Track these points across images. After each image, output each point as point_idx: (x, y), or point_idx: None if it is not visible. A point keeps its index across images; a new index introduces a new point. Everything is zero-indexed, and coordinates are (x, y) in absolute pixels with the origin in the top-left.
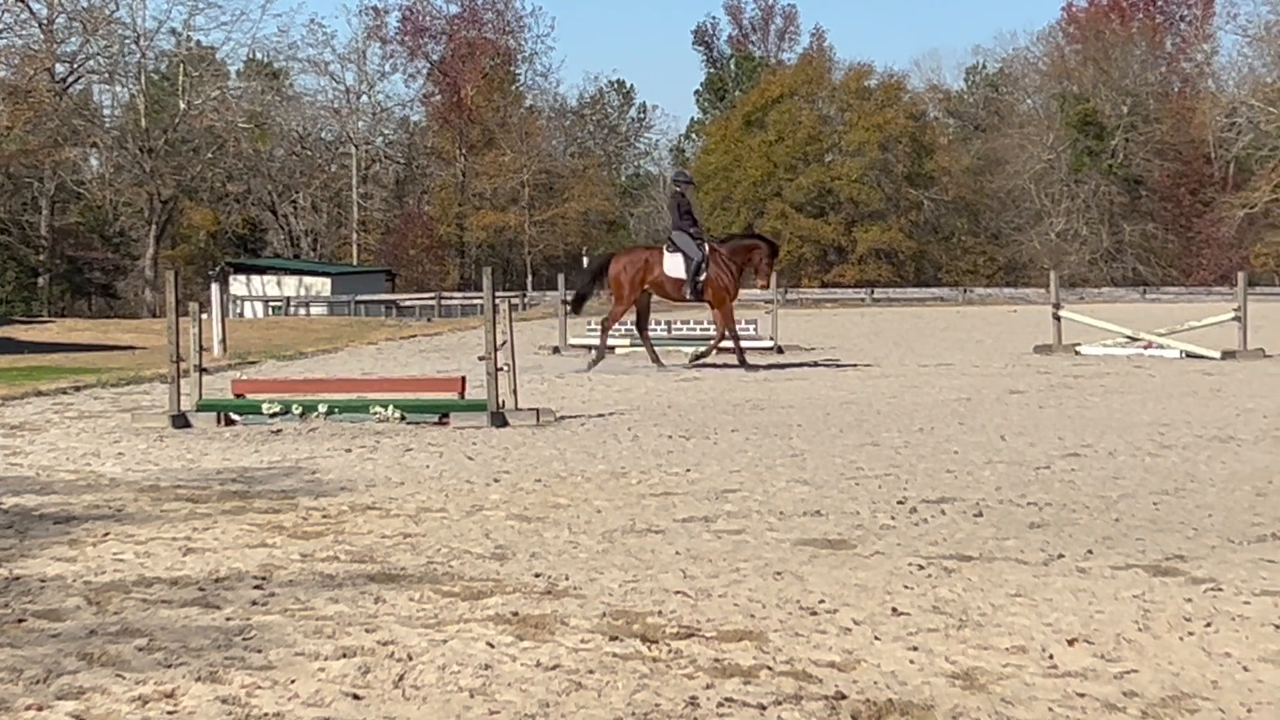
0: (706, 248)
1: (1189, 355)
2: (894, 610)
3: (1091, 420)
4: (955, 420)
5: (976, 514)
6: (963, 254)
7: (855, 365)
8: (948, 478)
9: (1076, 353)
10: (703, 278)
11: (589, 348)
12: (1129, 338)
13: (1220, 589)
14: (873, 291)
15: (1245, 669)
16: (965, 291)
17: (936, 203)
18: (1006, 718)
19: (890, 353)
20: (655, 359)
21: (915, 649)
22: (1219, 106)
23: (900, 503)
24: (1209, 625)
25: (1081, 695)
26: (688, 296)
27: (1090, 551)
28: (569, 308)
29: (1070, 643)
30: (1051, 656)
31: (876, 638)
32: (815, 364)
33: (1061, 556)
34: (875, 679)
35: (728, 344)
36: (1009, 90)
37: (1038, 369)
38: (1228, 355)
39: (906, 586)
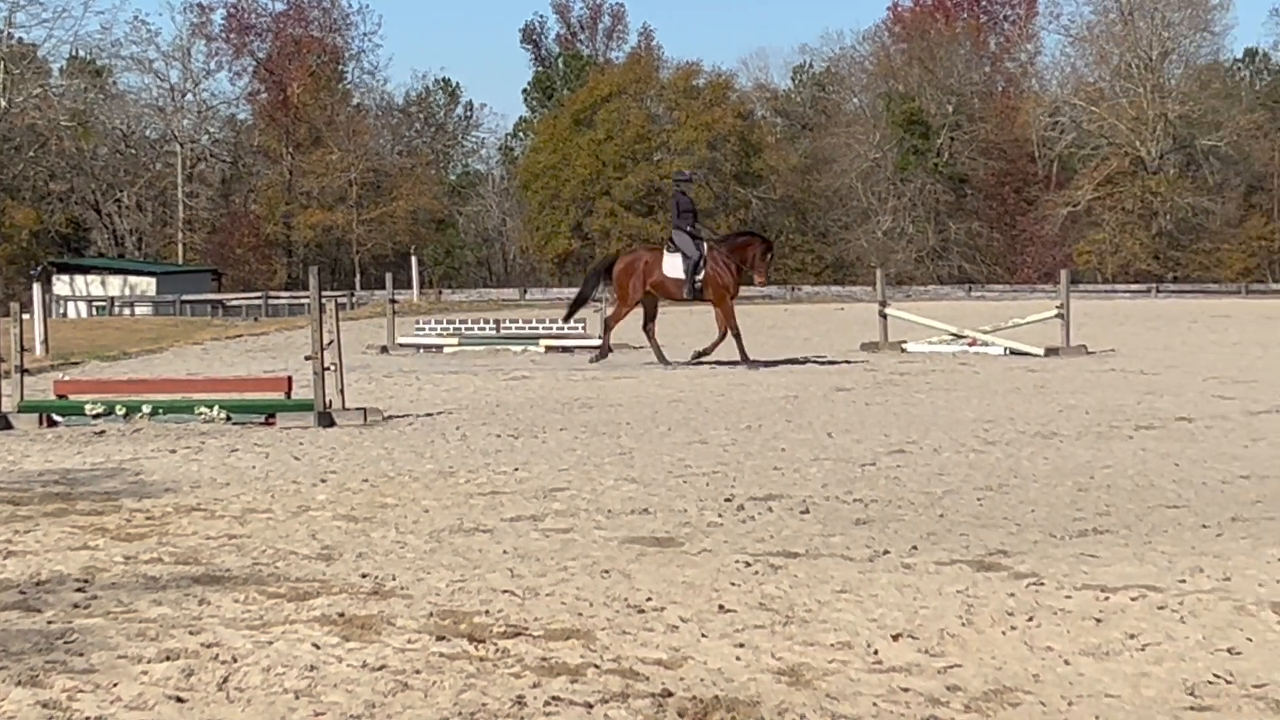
0: (705, 246)
1: (1013, 352)
2: (721, 607)
3: (917, 417)
4: (783, 418)
5: (803, 511)
6: (790, 252)
7: (833, 361)
8: (775, 475)
9: (903, 350)
10: (700, 277)
11: (421, 347)
12: (954, 335)
13: (1042, 583)
14: None
15: (1066, 662)
16: (793, 290)
17: (764, 201)
18: (831, 713)
19: (719, 351)
20: (661, 358)
21: (742, 646)
22: (1042, 106)
23: (728, 500)
24: (1031, 619)
25: (905, 690)
26: (686, 296)
27: (915, 547)
28: (569, 311)
29: (895, 638)
30: (876, 652)
31: (703, 635)
32: (806, 360)
33: (887, 553)
34: (701, 676)
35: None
36: (836, 89)
37: (864, 366)
38: (1051, 352)
39: (733, 584)
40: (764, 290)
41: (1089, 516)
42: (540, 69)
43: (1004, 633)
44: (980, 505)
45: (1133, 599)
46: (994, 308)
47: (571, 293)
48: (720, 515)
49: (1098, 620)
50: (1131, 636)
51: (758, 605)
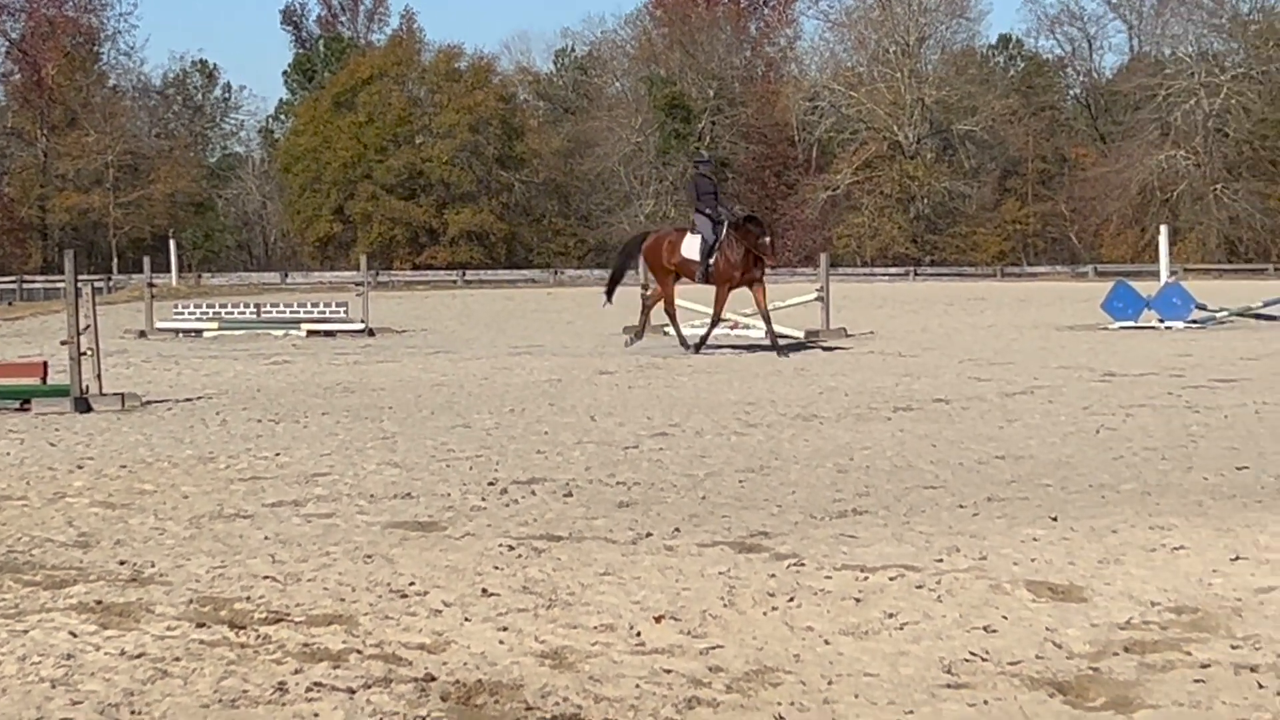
0: (724, 230)
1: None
2: (484, 591)
3: (679, 400)
4: (546, 401)
5: (566, 494)
6: (554, 236)
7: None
8: (538, 458)
9: (665, 333)
10: (713, 261)
11: (180, 331)
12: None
13: (803, 564)
14: (464, 273)
15: (826, 642)
16: (556, 273)
17: (527, 185)
18: (594, 695)
19: (481, 334)
20: (683, 340)
21: (505, 629)
22: (802, 90)
23: (491, 484)
24: (792, 600)
25: (668, 671)
26: (698, 280)
27: (677, 530)
28: (608, 290)
29: (657, 620)
30: (639, 634)
31: (466, 619)
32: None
33: (649, 535)
34: (465, 660)
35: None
36: (598, 73)
37: (627, 349)
38: (811, 335)
39: (497, 567)
40: (528, 274)
41: (848, 497)
42: (301, 51)
43: (765, 613)
44: (742, 487)
45: (891, 579)
46: None
47: (333, 276)
48: (483, 499)
49: (857, 600)
50: (890, 616)
51: (521, 589)
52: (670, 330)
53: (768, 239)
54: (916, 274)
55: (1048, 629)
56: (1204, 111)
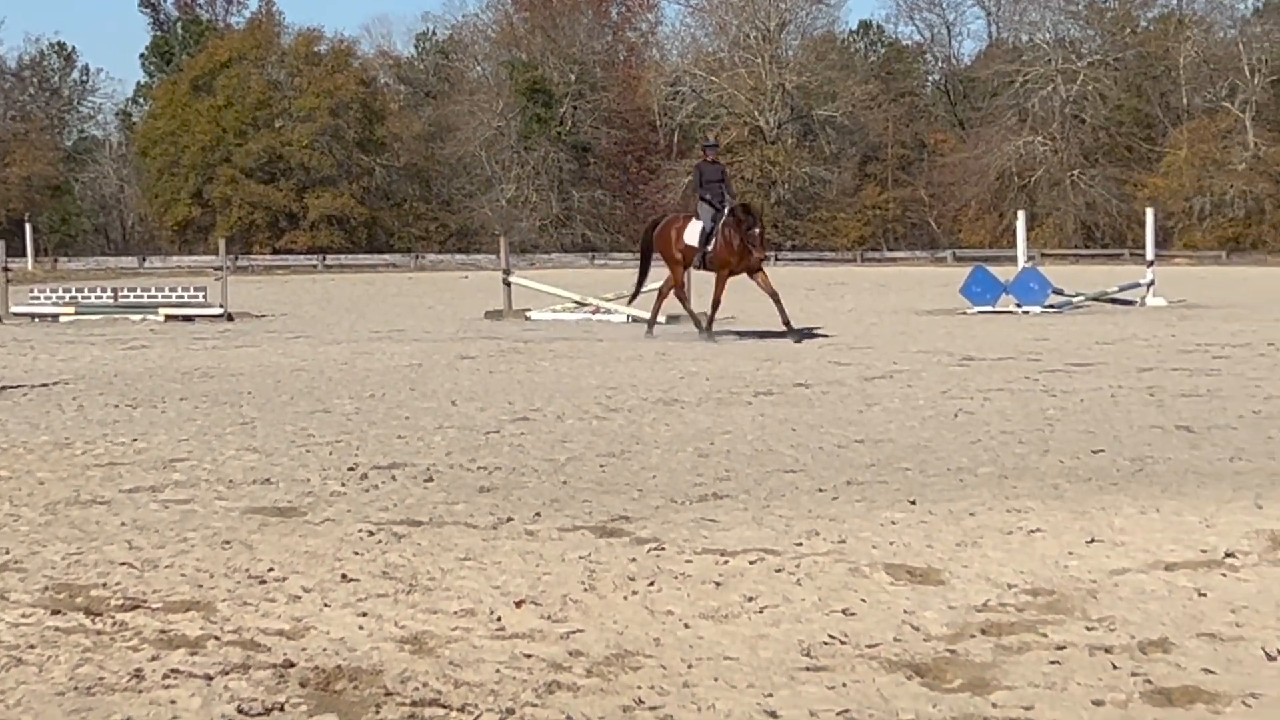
0: (724, 214)
1: (636, 320)
2: (344, 577)
3: (541, 385)
4: (406, 386)
5: (427, 479)
6: (415, 220)
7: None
8: (399, 444)
9: (527, 318)
10: (711, 248)
11: (36, 316)
12: (578, 303)
13: (663, 548)
14: (325, 258)
15: (686, 626)
16: (418, 258)
17: (388, 169)
18: (454, 680)
19: (342, 319)
20: (697, 324)
21: (365, 615)
22: (663, 75)
23: (351, 469)
24: (652, 584)
25: (529, 656)
26: (695, 265)
27: (538, 514)
28: (633, 292)
29: (517, 604)
30: (499, 619)
31: (326, 605)
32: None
33: (510, 520)
34: (324, 646)
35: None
36: (459, 57)
37: (488, 334)
38: (672, 320)
39: (356, 553)
40: (389, 258)
41: (709, 482)
42: (159, 34)
43: (625, 597)
44: (603, 472)
45: (751, 562)
46: (617, 275)
47: (191, 260)
48: (343, 484)
49: (717, 584)
50: (750, 599)
51: (381, 574)
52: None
53: (756, 230)
54: (777, 259)
55: (906, 612)
56: (1061, 98)
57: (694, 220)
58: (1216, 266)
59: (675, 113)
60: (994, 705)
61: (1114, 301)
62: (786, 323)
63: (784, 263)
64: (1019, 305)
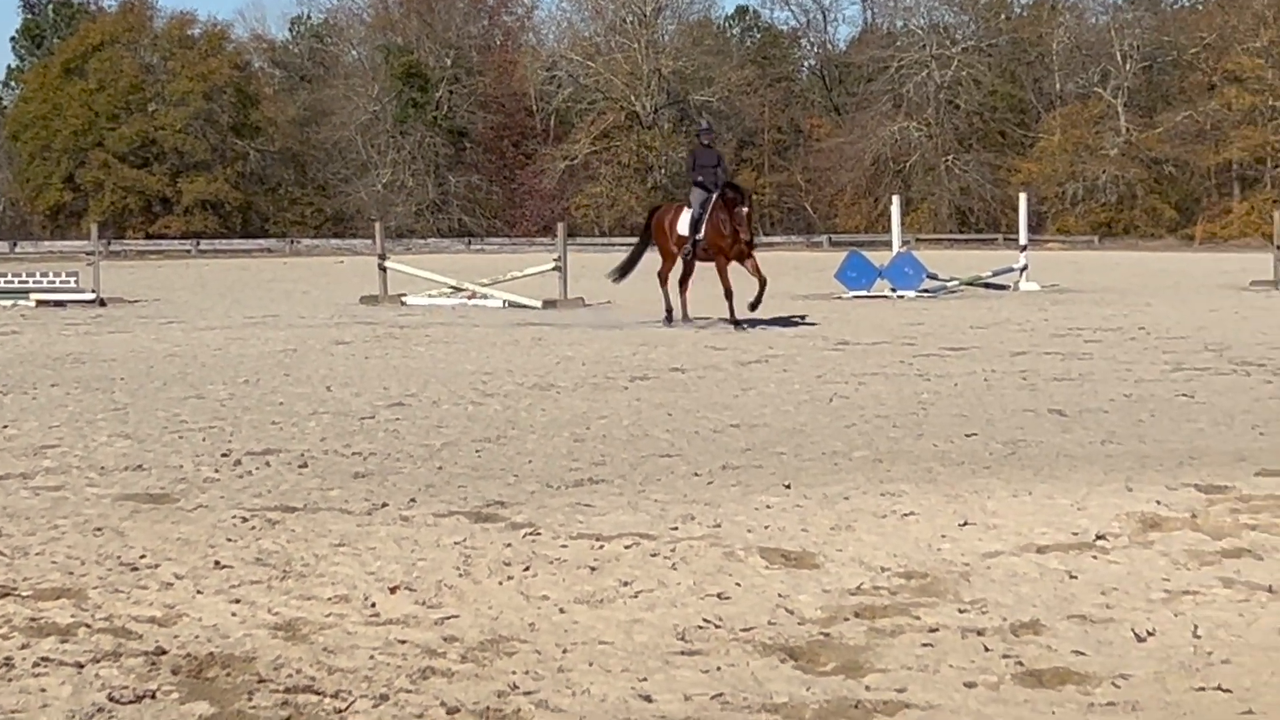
0: (710, 203)
1: (512, 305)
2: (217, 563)
3: (416, 370)
4: (281, 372)
5: (301, 465)
6: (290, 205)
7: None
8: (273, 430)
9: (403, 303)
10: (700, 236)
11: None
12: (454, 288)
13: (539, 533)
14: (199, 243)
15: (561, 610)
16: (293, 243)
17: (263, 154)
18: (328, 667)
19: (216, 304)
20: (685, 314)
21: (238, 601)
22: (539, 60)
23: (224, 455)
24: (527, 569)
25: (403, 642)
26: (685, 257)
27: (414, 500)
28: (620, 273)
29: (392, 590)
30: (374, 605)
31: (199, 591)
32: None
33: (385, 505)
34: (196, 633)
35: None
36: (334, 41)
37: (363, 320)
38: (549, 304)
39: (230, 539)
40: (263, 243)
41: (585, 466)
42: (30, 17)
43: (501, 583)
44: (478, 457)
45: (626, 547)
46: (494, 260)
47: (63, 245)
48: (217, 470)
49: (592, 569)
50: (625, 584)
51: (254, 560)
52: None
53: (744, 209)
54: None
55: (780, 595)
56: (936, 83)
57: (686, 209)
58: (1089, 251)
59: (552, 97)
60: (867, 688)
61: (988, 286)
62: (752, 307)
63: None
64: (894, 290)
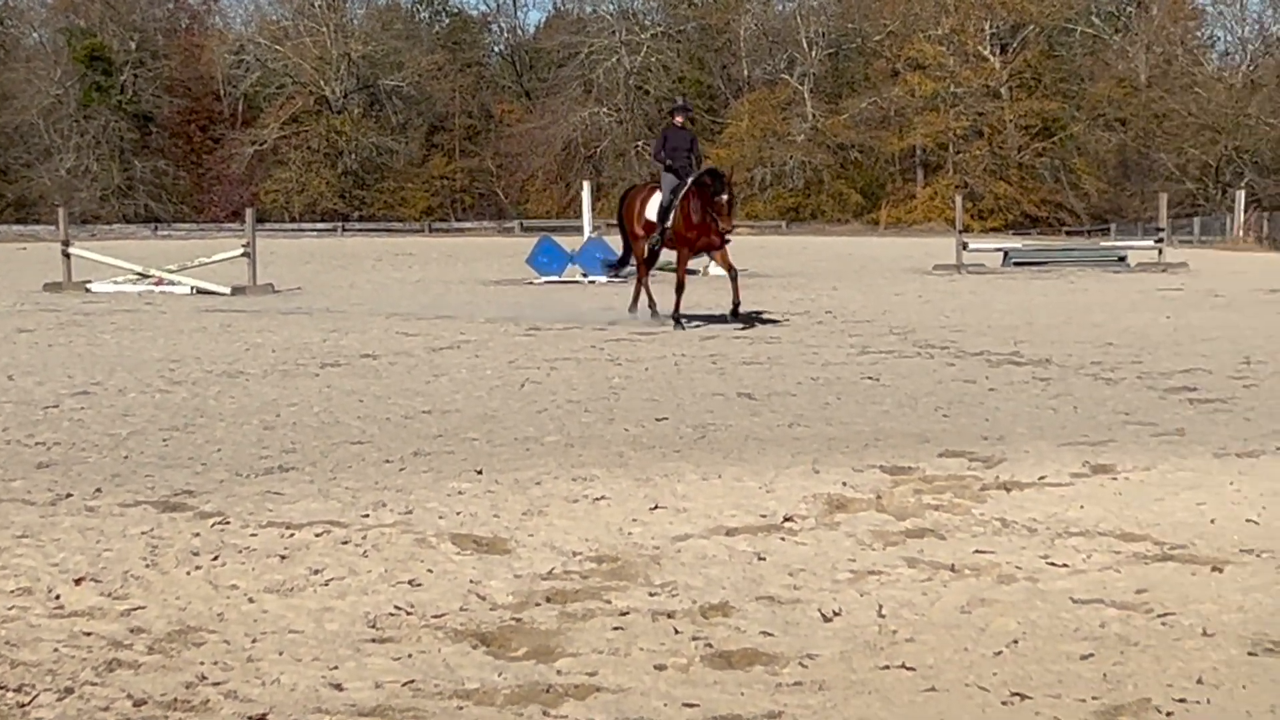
0: (683, 190)
1: (200, 291)
2: None
3: (102, 358)
4: None
5: None
6: None
7: None
8: None
9: (87, 290)
10: (669, 224)
11: None
12: (140, 274)
13: (228, 522)
14: None
15: (251, 600)
16: None
17: None
18: (10, 660)
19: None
20: (650, 305)
21: None
22: (226, 43)
23: None
24: (216, 558)
25: (88, 634)
26: (654, 246)
27: (99, 490)
28: (618, 266)
29: (77, 582)
30: (58, 597)
31: None
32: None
33: (70, 496)
34: None
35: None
36: (14, 23)
37: (47, 307)
38: (238, 290)
39: None
40: None
41: (275, 454)
42: None
43: (189, 573)
44: (166, 446)
45: (317, 535)
46: (181, 246)
47: None
48: None
49: (282, 557)
50: (315, 572)
51: None
52: None
53: (724, 196)
54: (345, 229)
55: (472, 581)
56: (625, 69)
57: (656, 192)
58: (777, 236)
59: (240, 81)
60: (558, 672)
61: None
62: (736, 304)
63: (351, 233)
64: (585, 275)
